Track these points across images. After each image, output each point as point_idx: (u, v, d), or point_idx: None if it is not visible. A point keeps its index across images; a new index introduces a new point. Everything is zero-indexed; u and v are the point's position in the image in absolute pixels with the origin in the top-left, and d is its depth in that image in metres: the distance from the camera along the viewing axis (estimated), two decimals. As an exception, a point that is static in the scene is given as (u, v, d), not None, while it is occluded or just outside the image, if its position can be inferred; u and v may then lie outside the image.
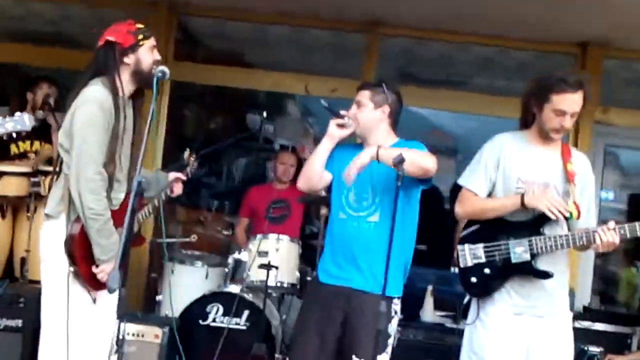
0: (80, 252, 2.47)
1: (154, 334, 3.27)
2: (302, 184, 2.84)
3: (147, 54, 2.57)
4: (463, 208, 2.70)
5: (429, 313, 3.58)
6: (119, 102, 2.50)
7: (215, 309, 3.64)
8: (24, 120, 2.34)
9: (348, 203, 2.77)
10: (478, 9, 4.26)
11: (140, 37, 2.58)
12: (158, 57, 2.61)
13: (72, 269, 2.46)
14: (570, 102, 2.54)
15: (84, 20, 5.35)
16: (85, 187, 2.41)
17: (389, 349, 2.73)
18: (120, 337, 3.13)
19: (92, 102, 2.46)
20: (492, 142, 2.70)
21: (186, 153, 2.99)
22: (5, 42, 5.34)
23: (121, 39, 2.55)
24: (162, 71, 2.41)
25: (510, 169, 2.63)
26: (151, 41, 2.60)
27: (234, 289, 3.79)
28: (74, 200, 2.44)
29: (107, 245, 2.45)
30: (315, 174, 2.77)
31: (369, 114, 2.76)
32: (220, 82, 5.41)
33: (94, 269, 2.47)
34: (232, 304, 3.61)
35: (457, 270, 2.68)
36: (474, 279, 2.64)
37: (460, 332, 3.23)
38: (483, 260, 2.63)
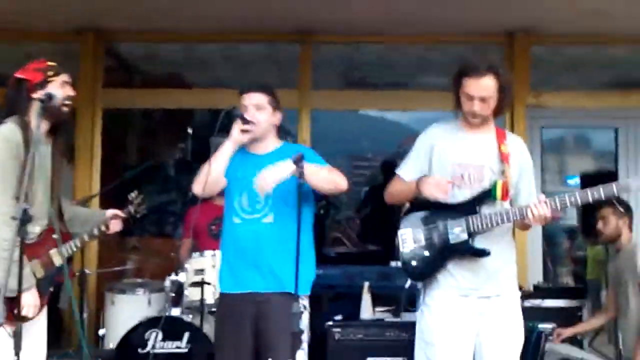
0: None
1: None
2: (199, 189, 2.74)
3: (57, 90, 2.57)
4: (387, 190, 2.77)
5: (368, 310, 3.51)
6: (29, 137, 2.47)
7: (154, 335, 3.51)
8: None
9: (241, 207, 2.76)
10: (407, 10, 4.29)
11: (50, 73, 2.59)
12: (71, 92, 2.62)
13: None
14: (475, 86, 2.56)
15: (11, 57, 5.25)
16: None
17: (305, 345, 2.70)
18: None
19: None
20: (425, 132, 2.76)
21: (133, 194, 2.92)
22: None
23: (30, 76, 2.58)
24: (47, 94, 2.43)
25: (445, 154, 2.66)
26: (62, 77, 2.61)
27: (175, 311, 3.67)
28: None
29: (24, 275, 2.36)
30: (216, 179, 2.73)
31: (268, 118, 2.78)
32: (156, 104, 5.34)
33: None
34: (171, 328, 3.49)
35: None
36: (414, 262, 2.62)
37: (402, 325, 3.19)
38: (422, 243, 2.63)
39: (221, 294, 2.78)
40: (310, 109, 4.90)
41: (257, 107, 2.76)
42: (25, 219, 2.18)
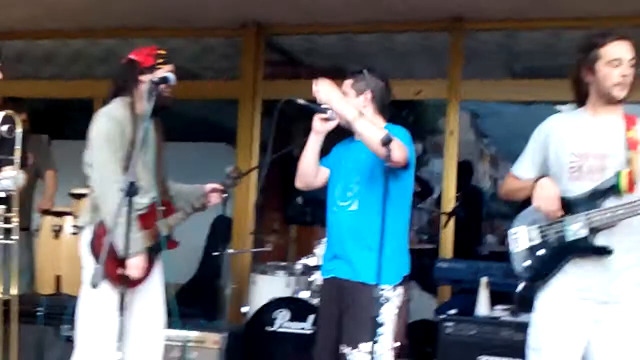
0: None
1: (213, 340, 3.38)
2: (298, 183, 2.81)
3: (166, 92, 2.72)
4: (501, 189, 2.62)
5: (484, 306, 3.30)
6: (136, 116, 2.69)
7: (281, 314, 3.67)
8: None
9: (337, 196, 2.74)
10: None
11: (160, 60, 2.76)
12: (174, 82, 2.75)
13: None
14: (621, 48, 2.32)
15: (188, 51, 5.79)
16: (106, 193, 2.61)
17: (383, 338, 2.58)
18: (182, 344, 3.36)
19: (102, 116, 2.70)
20: (540, 125, 2.53)
21: (229, 168, 3.10)
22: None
23: (142, 59, 2.76)
24: (163, 77, 2.60)
25: (563, 144, 2.41)
26: (169, 67, 2.78)
27: (304, 294, 3.80)
28: (99, 206, 2.65)
29: (135, 239, 2.59)
30: (309, 171, 2.74)
31: (352, 102, 2.68)
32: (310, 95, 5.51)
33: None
34: (299, 309, 3.62)
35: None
36: (526, 263, 2.42)
37: (518, 325, 2.98)
38: (537, 241, 2.41)
39: (323, 279, 2.82)
40: (459, 99, 4.74)
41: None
42: (131, 192, 2.36)
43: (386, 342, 2.61)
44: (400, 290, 2.65)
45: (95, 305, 2.65)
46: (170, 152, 6.08)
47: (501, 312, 3.31)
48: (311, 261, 3.85)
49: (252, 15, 5.01)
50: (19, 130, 2.73)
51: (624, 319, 2.32)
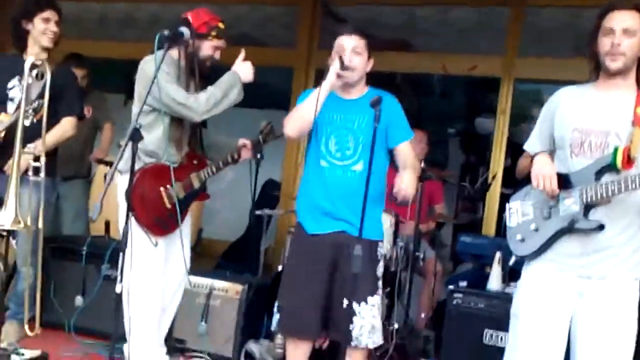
0: (137, 201, 2.83)
1: (235, 290, 3.55)
2: (293, 130, 2.75)
3: (209, 49, 2.89)
4: (517, 167, 2.58)
5: (496, 281, 3.27)
6: (179, 71, 2.84)
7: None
8: None
9: (329, 151, 2.76)
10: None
11: (213, 33, 2.87)
12: (217, 57, 2.92)
13: (132, 214, 2.77)
14: (618, 17, 2.25)
15: (250, 18, 5.93)
16: (175, 98, 2.79)
17: (379, 292, 2.74)
18: (208, 291, 3.56)
19: (150, 62, 2.83)
20: (550, 98, 2.48)
21: (263, 123, 3.20)
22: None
23: (197, 23, 2.85)
24: (178, 32, 2.74)
25: (567, 118, 2.36)
26: (219, 43, 2.90)
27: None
28: (180, 114, 2.85)
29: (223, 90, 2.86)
30: (310, 122, 2.73)
31: (364, 63, 2.75)
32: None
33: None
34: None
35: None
36: (519, 236, 2.42)
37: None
38: (530, 216, 2.40)
39: (306, 234, 2.83)
40: (514, 77, 4.64)
41: (355, 52, 2.72)
42: (134, 138, 2.47)
43: (380, 294, 2.79)
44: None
45: (138, 255, 2.77)
46: (228, 117, 6.33)
47: (514, 288, 3.27)
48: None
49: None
50: (47, 76, 2.92)
51: (611, 295, 2.28)
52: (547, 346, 2.32)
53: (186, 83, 2.90)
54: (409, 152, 2.82)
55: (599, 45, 2.29)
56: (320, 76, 5.23)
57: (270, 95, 6.37)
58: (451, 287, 3.37)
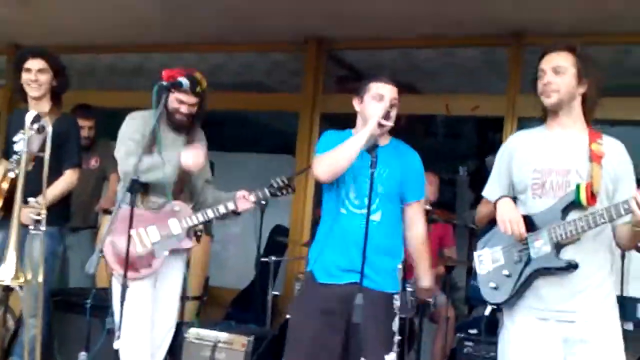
0: (108, 246, 2.91)
1: (241, 343, 3.47)
2: (326, 174, 2.68)
3: (174, 102, 2.98)
4: (476, 215, 2.57)
5: None
6: (157, 127, 2.86)
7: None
8: None
9: (349, 199, 2.71)
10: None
11: (174, 84, 2.87)
12: (183, 110, 3.00)
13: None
14: (548, 58, 2.35)
15: (259, 65, 6.01)
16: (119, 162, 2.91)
17: (395, 348, 2.60)
18: (213, 344, 3.49)
19: (127, 118, 3.01)
20: (504, 144, 2.51)
21: (278, 179, 3.11)
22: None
23: (166, 77, 2.93)
24: (176, 82, 2.80)
25: (526, 161, 2.37)
26: (179, 95, 2.96)
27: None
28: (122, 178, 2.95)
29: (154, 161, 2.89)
30: (345, 167, 2.66)
31: (392, 112, 2.71)
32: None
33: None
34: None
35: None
36: (492, 284, 2.36)
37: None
38: (502, 262, 2.36)
39: (318, 283, 2.73)
40: (517, 115, 4.62)
41: (393, 105, 2.67)
42: (132, 189, 2.50)
43: (395, 350, 2.63)
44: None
45: (122, 297, 2.75)
46: (237, 163, 6.30)
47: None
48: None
49: (314, 31, 5.14)
50: (49, 129, 2.95)
51: (596, 335, 2.23)
52: None
53: (166, 135, 3.00)
54: (417, 213, 2.79)
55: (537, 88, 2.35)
56: (325, 120, 5.39)
57: (277, 139, 6.42)
58: (461, 334, 3.26)
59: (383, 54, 5.40)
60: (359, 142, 2.62)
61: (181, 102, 3.00)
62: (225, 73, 6.15)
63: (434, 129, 6.57)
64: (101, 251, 2.45)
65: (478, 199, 6.42)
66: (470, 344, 3.22)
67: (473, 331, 3.31)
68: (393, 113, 2.69)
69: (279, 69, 6.03)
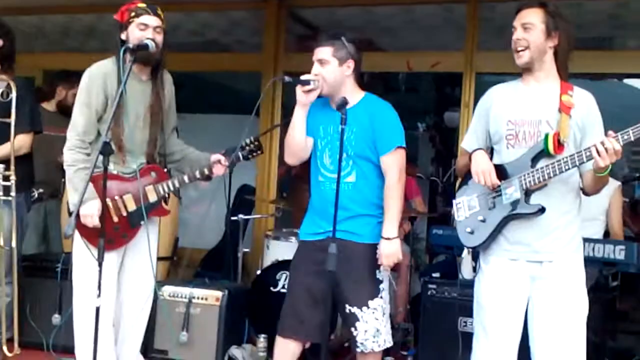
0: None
1: (215, 297, 3.56)
2: (290, 159, 2.85)
3: (135, 30, 2.71)
4: (456, 166, 2.71)
5: (467, 271, 3.35)
6: (121, 75, 2.66)
7: (284, 276, 3.79)
8: None
9: (324, 165, 2.78)
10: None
11: (132, 14, 2.72)
12: (148, 35, 2.71)
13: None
14: (518, 16, 2.45)
15: (217, 24, 5.95)
16: (65, 148, 2.75)
17: (384, 294, 2.75)
18: (187, 300, 3.56)
19: (85, 73, 2.76)
20: (482, 97, 2.63)
21: (248, 139, 2.95)
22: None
23: (119, 16, 2.77)
24: (142, 44, 2.63)
25: (501, 113, 2.50)
26: (141, 19, 2.71)
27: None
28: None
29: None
30: (300, 145, 2.79)
31: (335, 71, 2.71)
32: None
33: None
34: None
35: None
36: (468, 229, 2.52)
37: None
38: (477, 209, 2.51)
39: (302, 242, 2.90)
40: (474, 71, 4.73)
41: (321, 62, 2.71)
42: (104, 151, 2.42)
43: (386, 297, 2.79)
44: None
45: (80, 262, 2.77)
46: (199, 124, 6.26)
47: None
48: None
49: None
50: (13, 94, 2.89)
51: (560, 274, 2.40)
52: (509, 331, 2.44)
53: (132, 87, 2.77)
54: (390, 166, 2.73)
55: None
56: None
57: (240, 100, 6.41)
58: (425, 278, 3.43)
59: (343, 11, 5.41)
60: (296, 115, 2.73)
61: (145, 26, 2.72)
62: (182, 33, 6.07)
63: (393, 85, 6.65)
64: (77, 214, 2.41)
65: (438, 153, 6.59)
66: (433, 286, 3.37)
67: (436, 275, 3.47)
68: (325, 71, 2.69)
69: (239, 28, 5.98)
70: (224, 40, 6.20)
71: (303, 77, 2.71)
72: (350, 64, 2.74)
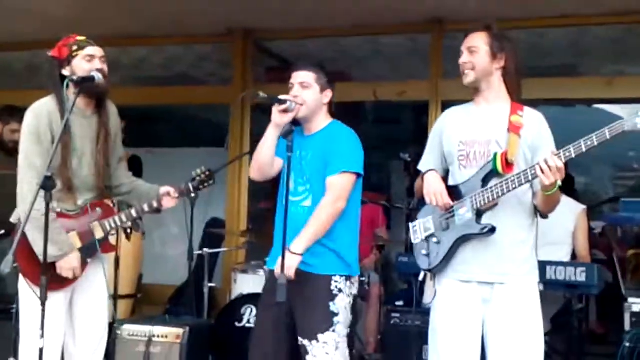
0: (22, 254, 2.58)
1: (175, 335, 3.45)
2: (255, 174, 2.81)
3: (82, 63, 2.66)
4: (415, 188, 2.70)
5: (430, 297, 3.28)
6: (65, 112, 2.57)
7: (249, 310, 3.73)
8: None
9: (289, 190, 2.73)
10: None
11: (75, 47, 2.67)
12: (97, 66, 2.67)
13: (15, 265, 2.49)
14: (464, 41, 2.51)
15: (186, 58, 5.94)
16: (25, 190, 2.61)
17: (338, 328, 2.65)
18: (147, 338, 3.45)
19: (29, 113, 2.67)
20: (438, 119, 2.67)
21: (199, 170, 2.88)
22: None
23: (57, 53, 2.70)
24: (87, 77, 2.58)
25: (453, 134, 2.52)
26: (87, 50, 2.68)
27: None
28: (18, 205, 2.65)
29: (61, 241, 2.58)
30: (267, 162, 2.76)
31: (316, 96, 2.72)
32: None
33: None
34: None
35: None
36: (424, 251, 2.51)
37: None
38: (432, 231, 2.50)
39: (269, 270, 2.82)
40: (441, 99, 4.76)
41: (303, 86, 2.71)
42: (46, 187, 2.33)
43: (341, 331, 2.69)
44: (353, 281, 2.72)
45: (25, 302, 2.66)
46: (170, 158, 6.18)
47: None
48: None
49: (239, 22, 5.11)
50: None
51: (513, 296, 2.37)
52: (463, 356, 2.40)
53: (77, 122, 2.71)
54: (329, 186, 2.66)
55: None
56: (257, 111, 5.38)
57: (208, 132, 6.38)
58: (387, 307, 3.38)
59: (311, 43, 5.43)
60: (267, 134, 2.71)
61: (91, 57, 2.67)
62: (149, 67, 6.06)
63: (364, 115, 6.66)
64: (14, 255, 2.28)
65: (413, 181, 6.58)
66: (397, 315, 3.33)
67: (399, 303, 3.41)
68: (306, 95, 2.68)
69: (206, 61, 5.98)
70: (192, 73, 6.20)
71: (281, 97, 2.67)
72: (329, 93, 2.77)
